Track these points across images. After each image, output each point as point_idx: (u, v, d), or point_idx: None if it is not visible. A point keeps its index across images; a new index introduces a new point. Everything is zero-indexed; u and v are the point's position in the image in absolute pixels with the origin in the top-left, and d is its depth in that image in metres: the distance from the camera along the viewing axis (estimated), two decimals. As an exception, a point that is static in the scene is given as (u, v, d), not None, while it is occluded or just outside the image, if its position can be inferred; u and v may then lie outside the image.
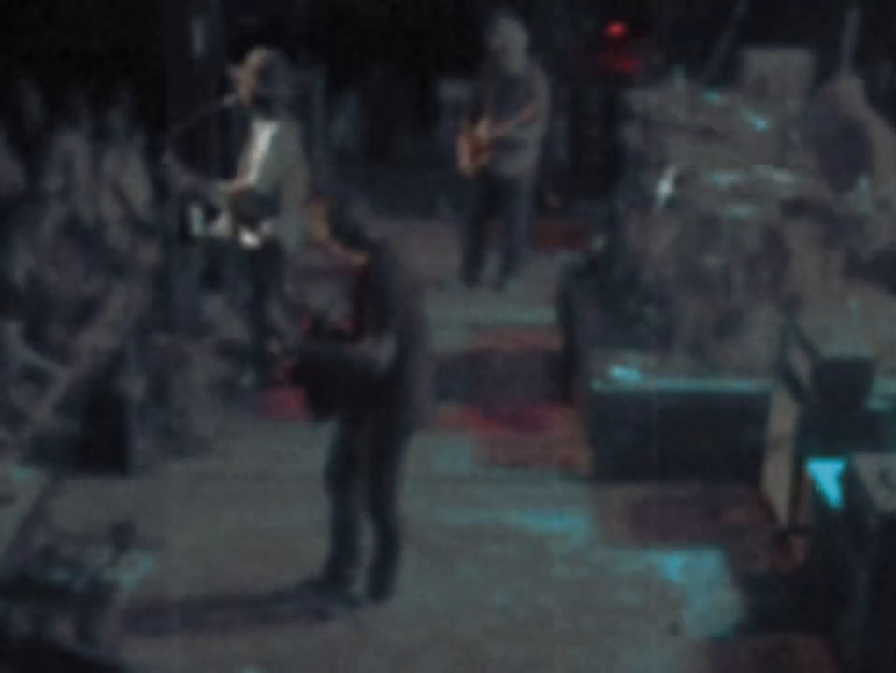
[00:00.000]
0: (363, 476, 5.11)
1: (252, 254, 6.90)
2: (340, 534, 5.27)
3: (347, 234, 4.96)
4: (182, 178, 6.69)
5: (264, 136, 6.71)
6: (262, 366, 7.20)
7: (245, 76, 6.69)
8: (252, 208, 6.75)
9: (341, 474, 5.19)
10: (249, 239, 6.82)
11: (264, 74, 6.65)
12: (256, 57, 6.71)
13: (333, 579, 5.29)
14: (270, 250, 6.82)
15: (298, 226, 6.90)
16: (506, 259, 8.89)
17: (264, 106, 6.70)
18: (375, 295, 4.86)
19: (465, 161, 8.60)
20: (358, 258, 4.97)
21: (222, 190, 6.85)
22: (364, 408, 4.98)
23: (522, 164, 8.50)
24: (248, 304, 7.17)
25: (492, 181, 8.57)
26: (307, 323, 5.07)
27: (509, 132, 8.31)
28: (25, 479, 5.86)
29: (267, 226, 6.75)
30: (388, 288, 4.86)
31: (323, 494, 6.04)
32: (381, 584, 5.22)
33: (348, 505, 5.21)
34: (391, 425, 5.03)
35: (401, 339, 4.84)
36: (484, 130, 8.39)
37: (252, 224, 6.79)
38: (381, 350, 4.79)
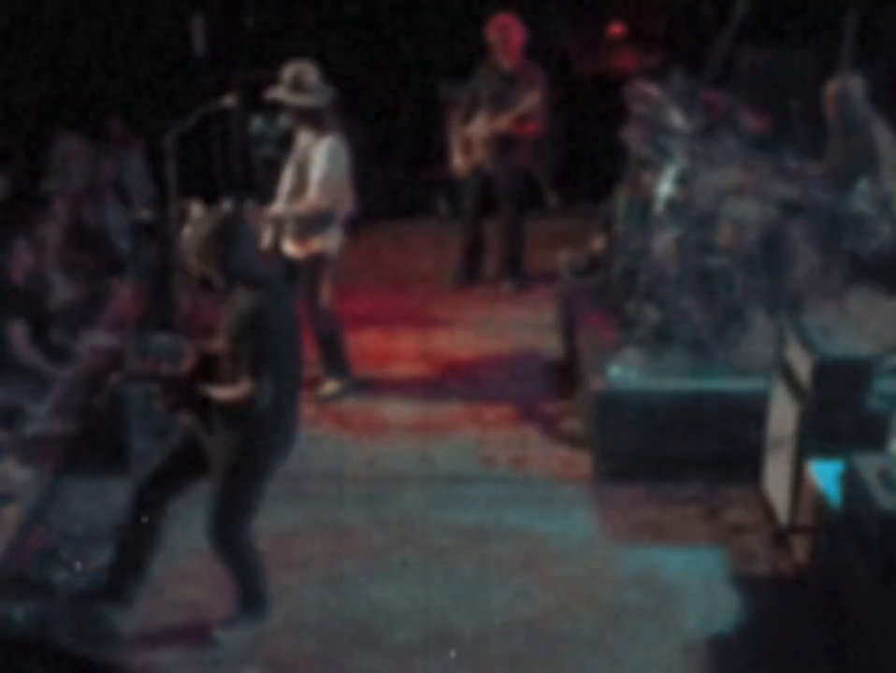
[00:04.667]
0: (210, 494, 4.81)
1: (295, 264, 6.85)
2: (134, 546, 5.01)
3: (227, 268, 4.62)
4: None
5: (318, 148, 6.64)
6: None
7: (281, 90, 6.61)
8: (306, 224, 6.73)
9: (168, 486, 4.95)
10: (292, 250, 6.80)
11: (299, 85, 6.59)
12: (310, 71, 6.64)
13: (114, 593, 5.01)
14: (317, 261, 6.79)
15: (340, 234, 6.86)
16: (505, 258, 8.89)
17: (316, 118, 6.65)
18: (253, 339, 4.53)
19: (458, 159, 8.59)
20: (236, 291, 4.65)
21: (280, 212, 6.79)
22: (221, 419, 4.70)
23: (515, 162, 8.50)
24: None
25: (485, 180, 8.56)
26: (194, 359, 4.78)
27: (505, 128, 8.30)
28: (25, 479, 5.86)
29: (317, 239, 6.73)
30: (269, 333, 4.56)
31: (321, 493, 6.07)
32: (248, 605, 4.97)
33: (157, 519, 4.95)
34: (250, 459, 4.74)
35: (276, 379, 4.58)
36: (479, 127, 8.38)
37: (300, 238, 6.76)
38: (260, 395, 4.53)
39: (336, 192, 6.67)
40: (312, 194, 6.65)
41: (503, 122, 8.31)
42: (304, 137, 6.78)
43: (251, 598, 5.00)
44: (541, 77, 8.42)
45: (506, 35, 8.35)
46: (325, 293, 6.90)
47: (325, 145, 6.63)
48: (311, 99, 6.61)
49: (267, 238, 6.81)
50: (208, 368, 4.72)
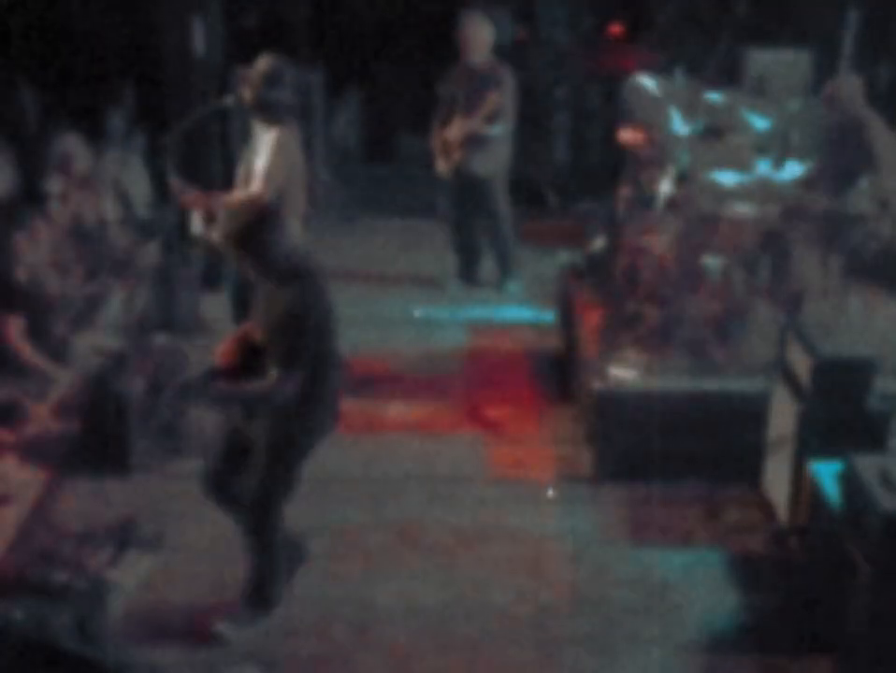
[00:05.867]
0: (251, 475, 4.82)
1: None
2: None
3: (267, 258, 4.56)
4: (187, 193, 6.65)
5: (265, 141, 6.69)
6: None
7: (252, 80, 6.68)
8: None
9: (226, 474, 4.93)
10: None
11: (270, 80, 6.62)
12: (263, 62, 6.69)
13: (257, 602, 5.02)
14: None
15: (296, 230, 6.89)
16: (497, 259, 8.89)
17: (267, 111, 6.68)
18: (287, 326, 4.53)
19: (440, 162, 8.58)
20: (270, 279, 4.62)
21: (226, 200, 6.81)
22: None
23: (493, 162, 8.48)
24: (237, 304, 7.15)
25: (465, 181, 8.54)
26: (239, 353, 4.75)
27: (473, 128, 8.29)
28: (25, 479, 5.86)
29: None
30: (304, 319, 4.53)
31: (321, 493, 6.06)
32: (258, 598, 4.98)
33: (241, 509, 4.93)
34: (290, 426, 4.75)
35: (309, 372, 4.58)
36: (454, 129, 8.38)
37: None
38: (286, 389, 4.55)
39: (280, 183, 6.66)
40: (256, 186, 6.66)
41: (471, 124, 8.29)
42: (258, 130, 6.81)
43: (261, 594, 5.00)
44: (509, 75, 8.37)
45: (475, 33, 8.33)
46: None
47: (271, 138, 6.65)
48: (267, 91, 6.63)
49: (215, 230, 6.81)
50: (251, 359, 4.71)
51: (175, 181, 6.58)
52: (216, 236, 4.71)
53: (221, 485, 4.94)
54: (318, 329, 4.60)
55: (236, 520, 4.96)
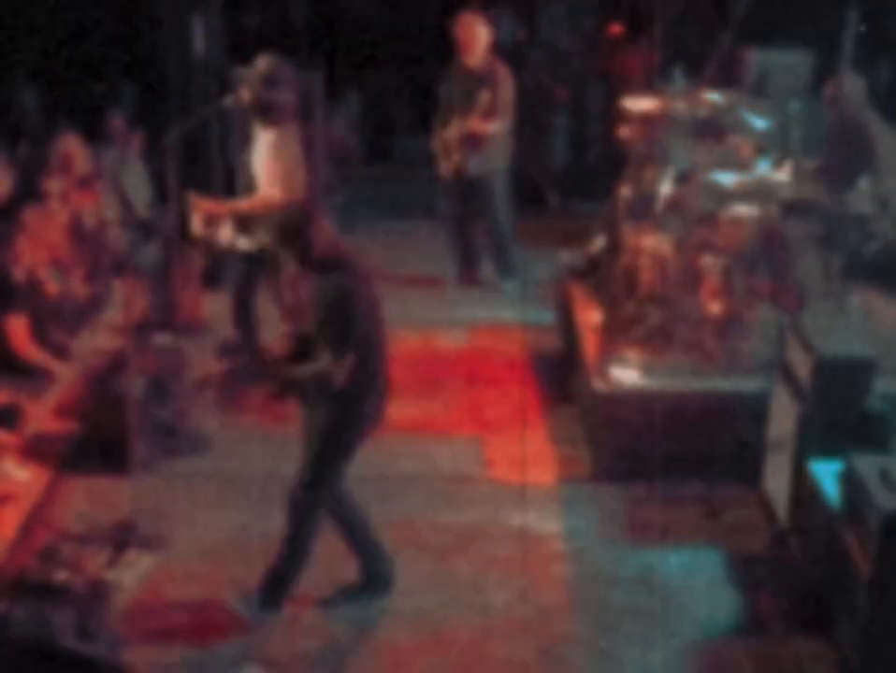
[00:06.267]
0: (302, 462, 4.98)
1: (247, 257, 6.89)
2: (351, 535, 5.21)
3: (310, 252, 4.81)
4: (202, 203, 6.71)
5: (265, 142, 6.69)
6: (254, 365, 7.20)
7: (250, 80, 6.68)
8: (256, 216, 6.75)
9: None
10: (244, 244, 6.81)
11: (269, 80, 6.62)
12: (262, 62, 6.69)
13: (372, 581, 5.23)
14: (270, 254, 6.81)
15: None
16: (496, 259, 8.89)
17: (266, 111, 6.68)
18: (335, 313, 4.75)
19: (442, 163, 8.58)
20: (318, 272, 4.82)
21: (234, 207, 6.82)
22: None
23: (491, 162, 8.47)
24: (237, 305, 7.16)
25: (464, 181, 8.54)
26: (288, 343, 4.99)
27: (469, 129, 8.29)
28: (25, 479, 5.86)
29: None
30: (351, 307, 4.75)
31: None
32: (271, 590, 5.07)
33: (339, 501, 5.12)
34: (342, 431, 4.93)
35: (358, 358, 4.77)
36: (453, 129, 8.37)
37: (252, 231, 6.78)
38: (337, 371, 4.72)
39: (285, 185, 6.67)
40: (264, 190, 6.67)
41: (467, 125, 8.29)
42: (257, 130, 6.81)
43: (280, 578, 5.07)
44: (505, 75, 8.36)
45: (471, 34, 8.32)
46: (288, 289, 6.92)
47: (270, 139, 6.65)
48: (266, 92, 6.62)
49: (226, 233, 6.82)
50: (303, 349, 4.89)
51: (192, 195, 6.66)
52: (265, 239, 4.94)
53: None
54: (364, 313, 4.80)
55: (344, 518, 5.16)
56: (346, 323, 4.74)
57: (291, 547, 5.05)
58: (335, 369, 4.74)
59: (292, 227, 4.82)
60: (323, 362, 4.75)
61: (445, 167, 8.57)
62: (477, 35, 8.30)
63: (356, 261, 4.94)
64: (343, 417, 4.90)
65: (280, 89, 6.67)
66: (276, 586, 5.07)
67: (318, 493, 4.99)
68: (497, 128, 8.33)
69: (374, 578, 5.22)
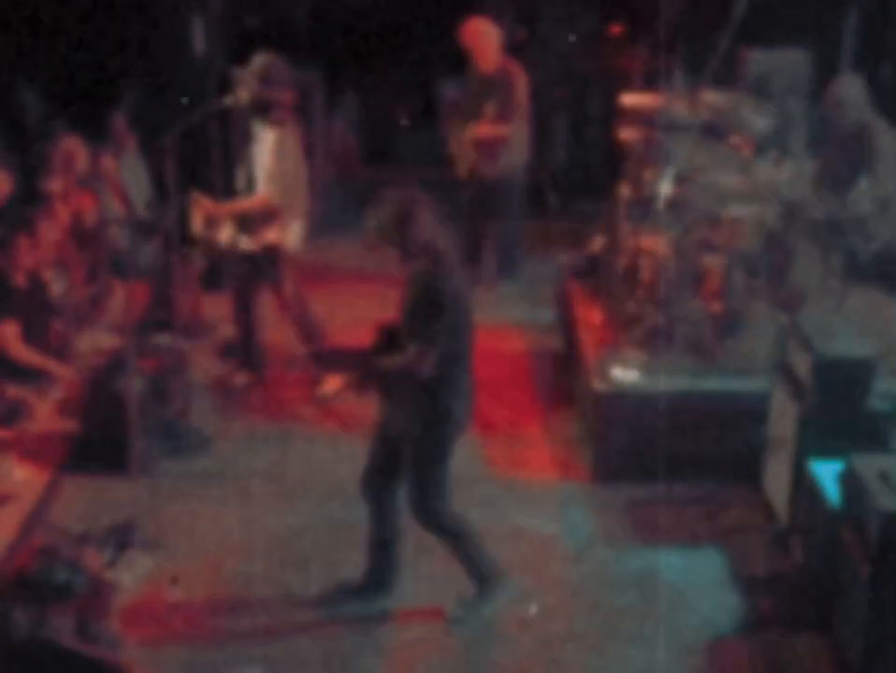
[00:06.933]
0: (407, 478, 5.03)
1: (249, 258, 6.90)
2: (380, 539, 5.21)
3: (406, 246, 4.86)
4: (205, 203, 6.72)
5: (264, 141, 6.69)
6: (254, 365, 7.22)
7: (247, 79, 6.68)
8: (256, 216, 6.75)
9: (380, 477, 5.12)
10: (246, 244, 6.81)
11: (266, 78, 6.63)
12: (259, 60, 6.69)
13: (375, 586, 5.25)
14: (271, 254, 6.82)
15: (298, 229, 6.90)
16: (500, 259, 8.88)
17: (264, 110, 6.68)
18: (427, 306, 4.78)
19: (458, 165, 8.58)
20: (417, 266, 4.86)
21: (234, 207, 6.83)
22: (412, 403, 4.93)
23: (505, 165, 8.47)
24: (237, 305, 7.17)
25: (480, 183, 8.54)
26: (377, 336, 4.98)
27: (479, 133, 8.29)
28: (25, 479, 5.86)
29: (270, 232, 6.75)
30: (443, 301, 4.78)
31: (322, 493, 6.07)
32: (479, 579, 5.16)
33: (387, 510, 5.15)
34: (432, 427, 4.94)
35: (446, 350, 4.79)
36: (468, 134, 8.38)
37: (253, 230, 6.78)
38: (424, 363, 4.75)
39: (284, 185, 6.67)
40: (262, 190, 6.67)
41: (477, 130, 8.28)
42: (257, 130, 6.81)
43: (481, 577, 5.13)
44: (519, 76, 8.34)
45: (480, 40, 8.29)
46: (288, 289, 6.92)
47: (270, 139, 6.64)
48: (263, 90, 6.62)
49: (226, 233, 6.82)
50: (391, 343, 4.90)
51: (195, 194, 6.66)
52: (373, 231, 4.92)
53: (373, 483, 5.13)
54: (453, 307, 4.80)
55: (380, 519, 5.15)
56: (435, 315, 4.75)
57: (464, 555, 5.12)
58: (421, 361, 4.74)
59: (394, 220, 4.84)
60: (410, 353, 4.76)
61: (461, 170, 8.58)
62: (487, 40, 8.28)
63: (450, 255, 4.94)
64: (430, 411, 4.89)
65: (277, 87, 6.67)
66: (482, 582, 5.13)
67: (433, 502, 4.99)
68: (509, 131, 8.32)
69: (377, 583, 5.23)
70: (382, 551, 5.21)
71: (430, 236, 4.86)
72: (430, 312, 4.76)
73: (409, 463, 4.98)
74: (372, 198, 4.94)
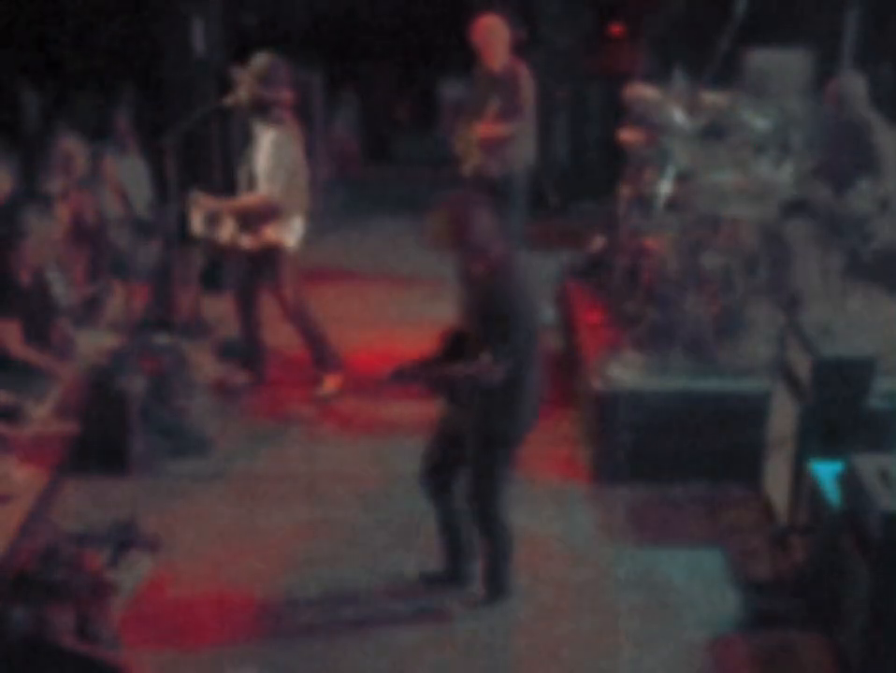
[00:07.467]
0: (467, 469, 5.04)
1: (250, 256, 6.90)
2: (449, 531, 5.26)
3: (465, 250, 4.82)
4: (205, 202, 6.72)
5: (264, 141, 6.70)
6: (255, 365, 7.22)
7: (247, 79, 6.68)
8: (256, 214, 6.76)
9: (443, 468, 5.16)
10: (247, 242, 6.81)
11: (266, 78, 6.63)
12: (259, 60, 6.69)
13: (452, 577, 5.30)
14: (271, 252, 6.82)
15: (299, 228, 6.91)
16: None
17: (263, 110, 6.68)
18: (497, 312, 4.73)
19: (463, 164, 8.58)
20: (477, 270, 4.82)
21: (234, 204, 6.83)
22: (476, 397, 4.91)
23: (510, 164, 8.46)
24: (238, 305, 7.17)
25: (484, 182, 8.53)
26: (443, 342, 4.96)
27: (482, 133, 8.27)
28: (25, 479, 5.86)
29: (270, 230, 6.76)
30: (513, 306, 4.75)
31: (322, 493, 6.07)
32: (493, 585, 5.20)
33: (450, 502, 5.19)
34: (497, 426, 4.95)
35: (517, 356, 4.77)
36: (472, 132, 8.37)
37: (253, 228, 6.78)
38: (496, 371, 4.72)
39: (283, 182, 6.67)
40: (262, 189, 6.67)
41: (480, 129, 8.27)
42: (257, 129, 6.81)
43: (496, 581, 5.17)
44: (525, 75, 8.33)
45: (490, 37, 8.28)
46: (288, 288, 6.92)
47: (269, 138, 6.64)
48: (263, 90, 6.62)
49: (227, 232, 6.81)
50: (457, 347, 4.87)
51: (196, 192, 6.66)
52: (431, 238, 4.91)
53: (434, 478, 5.17)
54: (524, 317, 4.79)
55: (447, 510, 5.19)
56: (509, 325, 4.72)
57: (492, 556, 5.16)
58: (493, 369, 4.72)
59: (450, 224, 4.81)
60: (482, 361, 4.72)
61: (466, 168, 8.57)
62: (497, 38, 8.25)
63: (518, 264, 4.91)
64: (499, 418, 4.89)
65: (276, 86, 6.67)
66: (494, 588, 5.18)
67: (490, 500, 5.03)
68: (514, 129, 8.30)
69: (454, 574, 5.29)
70: (454, 542, 5.26)
71: (488, 239, 4.81)
72: (506, 324, 4.71)
73: (471, 459, 4.98)
74: (433, 203, 4.88)
